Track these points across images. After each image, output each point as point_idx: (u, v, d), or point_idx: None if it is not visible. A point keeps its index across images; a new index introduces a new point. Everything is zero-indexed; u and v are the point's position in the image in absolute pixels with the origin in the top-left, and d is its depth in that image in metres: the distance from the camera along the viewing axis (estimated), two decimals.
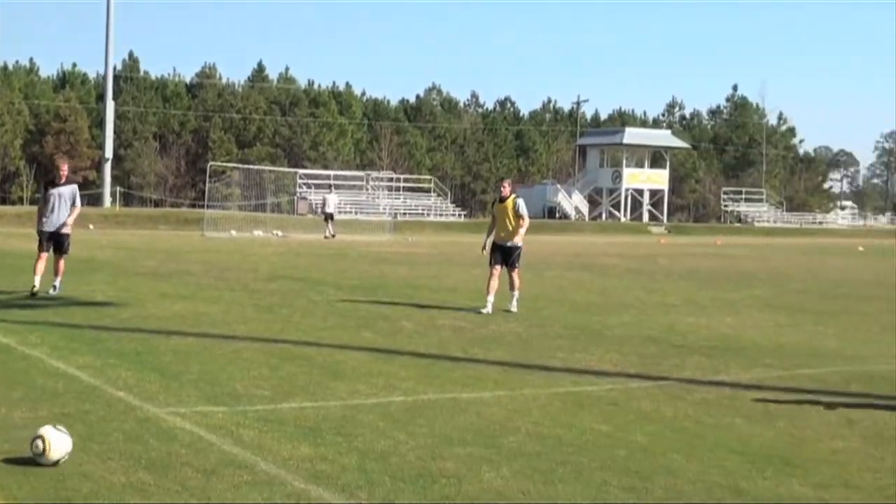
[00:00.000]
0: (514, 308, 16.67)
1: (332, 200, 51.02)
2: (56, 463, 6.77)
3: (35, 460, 6.80)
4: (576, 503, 6.51)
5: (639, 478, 7.09)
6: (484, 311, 16.47)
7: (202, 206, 57.66)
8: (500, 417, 8.82)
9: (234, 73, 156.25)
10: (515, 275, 17.02)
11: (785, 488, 6.99)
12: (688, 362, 12.23)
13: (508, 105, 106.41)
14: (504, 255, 17.08)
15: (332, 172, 72.31)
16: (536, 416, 8.94)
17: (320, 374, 10.66)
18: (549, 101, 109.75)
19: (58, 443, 6.79)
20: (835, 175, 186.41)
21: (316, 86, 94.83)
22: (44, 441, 6.74)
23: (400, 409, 9.04)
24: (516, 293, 16.89)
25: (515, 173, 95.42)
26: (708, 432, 8.59)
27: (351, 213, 63.75)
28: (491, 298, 16.75)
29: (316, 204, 65.96)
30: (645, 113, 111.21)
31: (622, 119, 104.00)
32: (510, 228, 17.06)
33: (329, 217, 49.29)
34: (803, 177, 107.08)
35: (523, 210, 17.19)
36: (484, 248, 17.67)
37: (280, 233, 49.45)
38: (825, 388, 10.75)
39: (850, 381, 11.26)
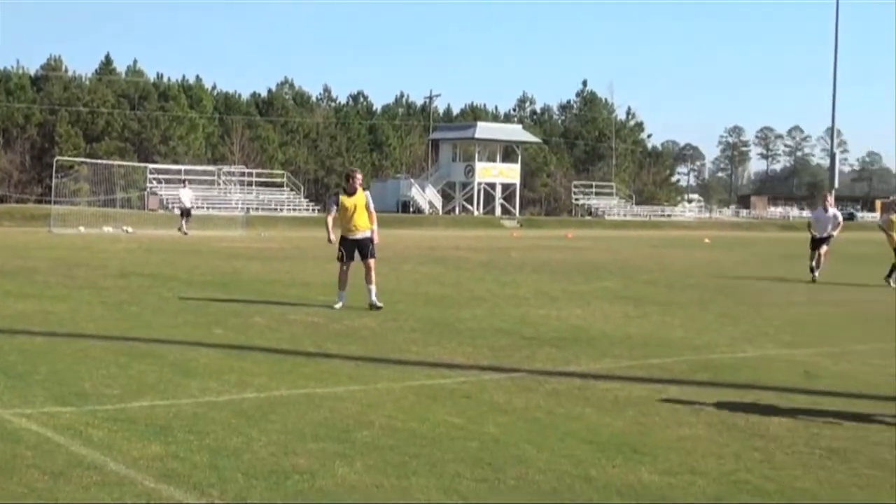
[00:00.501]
0: (379, 302, 16.45)
1: (188, 195, 50.18)
2: None
3: None
4: (429, 497, 6.54)
5: (491, 469, 7.17)
6: (337, 306, 16.42)
7: (49, 202, 56.20)
8: (354, 412, 8.82)
9: (81, 65, 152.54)
10: (373, 265, 16.87)
11: (633, 475, 7.14)
12: (539, 354, 12.40)
13: (361, 99, 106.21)
14: (359, 247, 16.98)
15: (183, 167, 71.05)
16: (390, 409, 8.97)
17: (171, 371, 10.50)
18: (402, 95, 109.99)
19: None
20: (682, 169, 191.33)
21: (165, 79, 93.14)
22: None
23: (252, 405, 8.97)
24: (374, 287, 16.69)
25: (369, 167, 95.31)
26: (559, 422, 8.72)
27: (203, 208, 62.77)
28: (343, 293, 16.70)
29: (167, 199, 64.88)
30: (497, 108, 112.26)
31: (474, 114, 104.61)
32: (363, 221, 16.98)
33: (185, 213, 48.47)
34: (651, 170, 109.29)
35: (372, 205, 17.19)
36: (330, 240, 17.45)
37: (130, 229, 48.46)
38: (673, 378, 11.03)
39: (695, 370, 11.57)
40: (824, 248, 25.73)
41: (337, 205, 17.13)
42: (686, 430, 8.58)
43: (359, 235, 16.98)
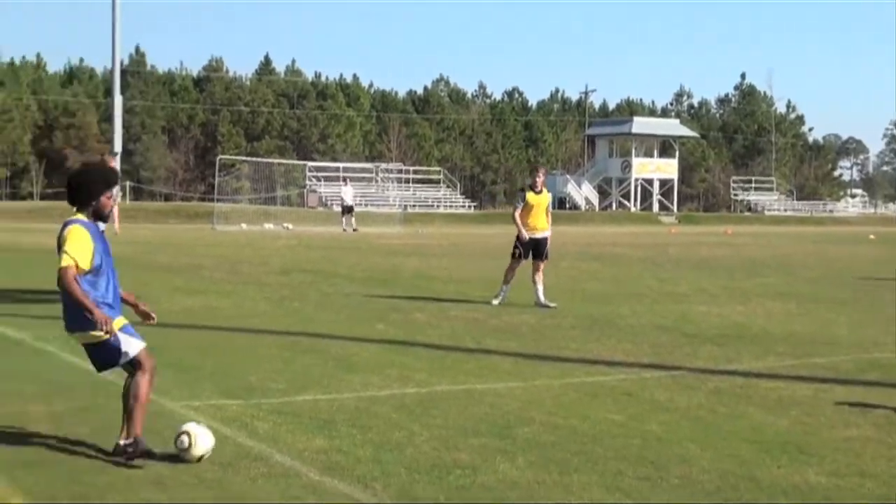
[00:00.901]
0: (552, 303, 16.27)
1: (349, 192, 50.85)
2: (200, 459, 6.82)
3: (180, 456, 6.83)
4: (591, 494, 6.52)
5: (654, 467, 7.10)
6: (495, 301, 16.44)
7: (212, 200, 57.77)
8: (514, 408, 8.84)
9: (241, 66, 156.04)
10: (543, 266, 16.78)
11: (800, 476, 6.99)
12: (700, 351, 12.23)
13: (516, 95, 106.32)
14: (537, 246, 16.87)
15: (341, 165, 72.32)
16: (550, 406, 8.96)
17: (334, 366, 10.68)
18: (557, 91, 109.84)
19: (202, 438, 6.83)
20: (844, 163, 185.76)
21: (323, 78, 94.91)
22: (189, 436, 6.79)
23: (414, 400, 9.07)
24: (542, 287, 16.49)
25: (524, 164, 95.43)
26: (722, 421, 8.60)
27: (361, 205, 63.75)
28: (507, 289, 16.68)
29: (326, 196, 66.02)
30: (653, 102, 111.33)
31: (630, 108, 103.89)
32: (543, 221, 16.90)
33: (348, 210, 49.09)
34: (813, 165, 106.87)
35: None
36: (522, 237, 16.78)
37: (290, 226, 49.49)
38: (838, 377, 10.75)
39: (864, 370, 11.26)
40: None
41: (524, 201, 16.94)
42: (854, 430, 8.35)
43: (538, 235, 16.85)
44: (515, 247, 16.84)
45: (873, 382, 10.55)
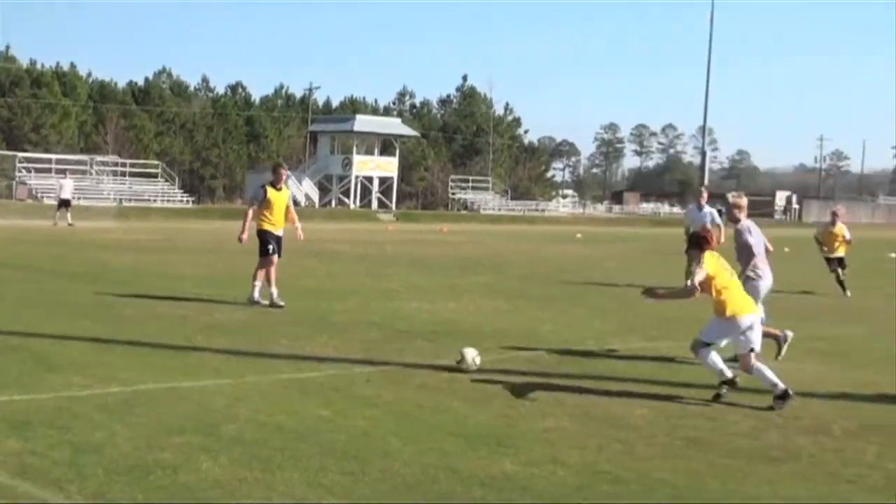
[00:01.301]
0: (282, 301, 16.08)
1: (69, 186, 48.83)
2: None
3: None
4: (292, 490, 6.53)
5: (357, 462, 7.19)
6: (264, 301, 16.06)
7: None
8: (221, 406, 8.75)
9: None
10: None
11: (497, 467, 7.23)
12: (410, 347, 12.45)
13: (240, 90, 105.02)
14: (278, 244, 16.66)
15: (54, 156, 69.48)
16: (258, 403, 8.92)
17: (34, 365, 10.28)
18: (282, 86, 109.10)
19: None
20: (557, 164, 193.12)
21: (39, 65, 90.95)
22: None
23: (117, 400, 8.83)
24: (276, 286, 16.33)
25: (245, 159, 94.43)
26: (427, 415, 8.78)
27: (75, 198, 61.48)
28: (259, 285, 16.33)
29: (37, 189, 63.36)
30: (376, 101, 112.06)
31: (353, 106, 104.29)
32: (283, 218, 16.70)
33: (65, 203, 47.16)
34: (527, 166, 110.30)
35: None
36: (242, 238, 16.65)
37: None
38: (539, 370, 11.17)
39: (562, 363, 11.74)
40: None
41: (264, 198, 16.60)
42: (551, 421, 8.71)
43: (280, 232, 16.67)
44: (268, 243, 16.51)
45: (570, 375, 11.02)
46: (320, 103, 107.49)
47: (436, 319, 15.15)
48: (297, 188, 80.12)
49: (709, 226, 26.02)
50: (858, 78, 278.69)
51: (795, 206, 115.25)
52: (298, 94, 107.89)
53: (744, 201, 12.62)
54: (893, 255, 38.14)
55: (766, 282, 12.30)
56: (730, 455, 7.82)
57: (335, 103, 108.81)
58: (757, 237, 12.29)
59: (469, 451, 7.62)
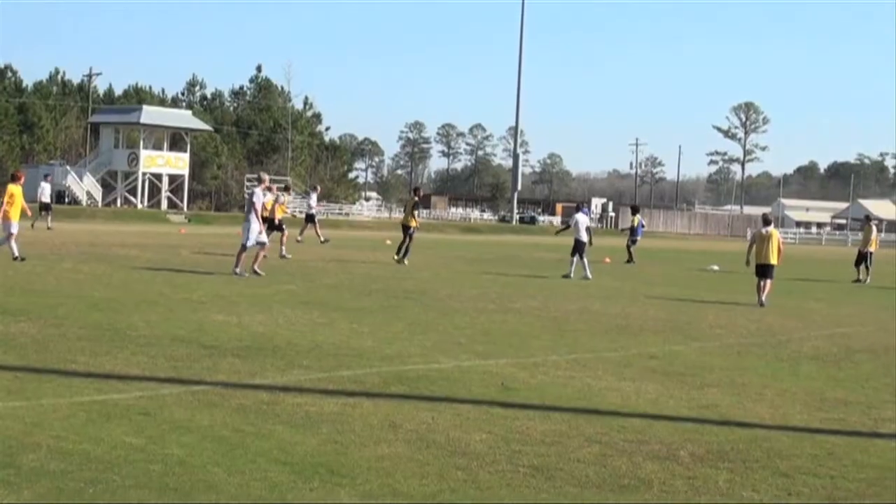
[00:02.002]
0: None
1: (48, 189, 48.95)
2: None
3: None
4: None
5: (177, 495, 6.99)
6: None
7: None
8: (17, 432, 8.38)
9: None
10: None
11: (333, 499, 7.13)
12: (221, 365, 12.19)
13: (10, 74, 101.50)
14: None
15: None
16: (59, 429, 8.58)
17: None
18: (57, 72, 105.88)
19: None
20: (360, 164, 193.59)
21: None
22: None
23: None
24: None
25: (18, 151, 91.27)
26: (248, 441, 8.60)
27: None
28: None
29: None
30: (164, 91, 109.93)
31: (139, 96, 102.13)
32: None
33: (46, 207, 47.66)
34: (329, 165, 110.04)
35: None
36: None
37: None
38: (366, 391, 11.09)
39: (389, 382, 11.67)
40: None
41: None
42: (385, 448, 8.63)
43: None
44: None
45: (400, 395, 10.98)
46: (102, 92, 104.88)
47: (245, 334, 14.89)
48: (78, 185, 78.08)
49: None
50: (673, 82, 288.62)
51: (611, 213, 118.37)
52: (76, 80, 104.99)
53: None
54: (715, 267, 39.53)
55: None
56: (578, 484, 7.89)
57: (118, 92, 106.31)
58: None
59: (300, 482, 7.48)
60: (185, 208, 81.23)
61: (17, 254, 24.85)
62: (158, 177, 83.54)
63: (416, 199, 33.78)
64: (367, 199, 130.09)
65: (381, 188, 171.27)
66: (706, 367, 14.22)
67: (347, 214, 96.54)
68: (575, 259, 30.43)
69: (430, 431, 9.31)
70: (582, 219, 30.97)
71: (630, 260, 40.53)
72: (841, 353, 16.45)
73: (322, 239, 40.82)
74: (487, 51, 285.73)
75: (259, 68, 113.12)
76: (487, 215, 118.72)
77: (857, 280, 36.52)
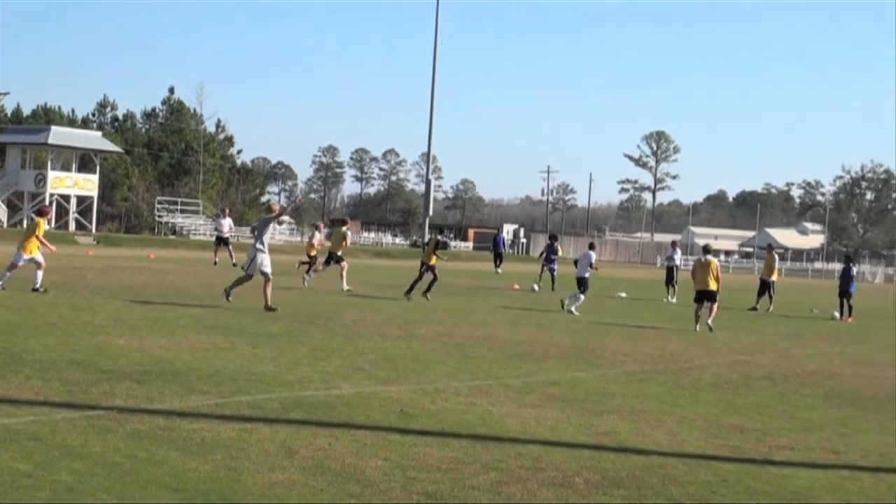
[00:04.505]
0: None
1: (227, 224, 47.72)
2: None
3: None
4: None
5: None
6: None
7: None
8: None
9: None
10: None
11: None
12: (118, 389, 12.03)
13: None
14: None
15: None
16: None
17: None
18: None
19: None
20: (273, 188, 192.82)
21: None
22: None
23: None
24: None
25: None
26: (141, 467, 8.49)
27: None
28: None
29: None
30: (73, 111, 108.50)
31: (47, 116, 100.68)
32: None
33: (223, 241, 46.58)
34: (241, 188, 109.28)
35: None
36: None
37: None
38: (263, 416, 11.00)
39: (289, 408, 11.59)
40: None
41: None
42: (279, 474, 8.57)
43: None
44: None
45: (299, 421, 10.91)
46: (9, 111, 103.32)
47: (146, 358, 14.71)
48: None
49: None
50: (585, 110, 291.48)
51: (523, 239, 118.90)
52: None
53: None
54: (623, 294, 39.87)
55: None
56: None
57: (27, 112, 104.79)
58: None
59: None
60: (94, 230, 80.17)
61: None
62: (66, 198, 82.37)
63: (439, 238, 34.16)
64: (280, 223, 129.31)
65: (294, 213, 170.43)
66: (607, 393, 14.33)
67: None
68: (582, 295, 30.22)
69: (326, 458, 9.26)
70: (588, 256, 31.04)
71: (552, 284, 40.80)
72: (740, 380, 16.68)
73: (234, 262, 41.08)
74: (400, 75, 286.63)
75: (171, 90, 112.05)
76: (399, 240, 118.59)
77: (753, 308, 37.04)
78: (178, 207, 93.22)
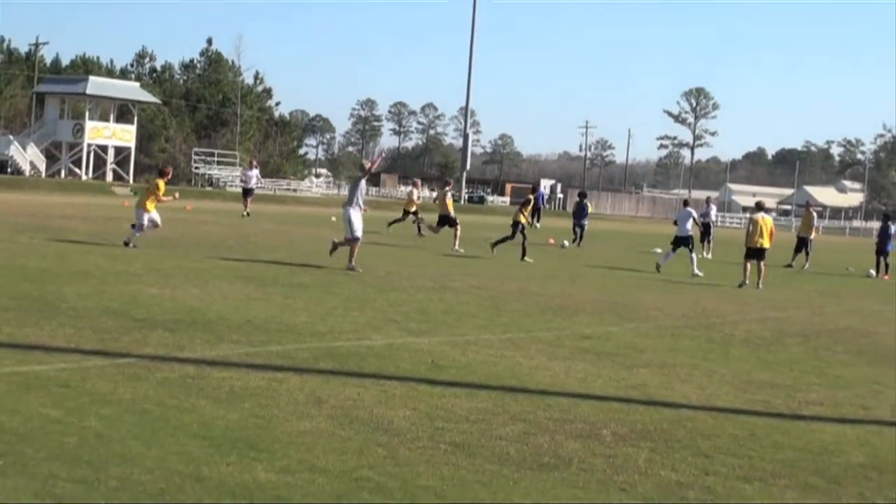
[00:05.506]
0: None
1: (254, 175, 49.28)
2: None
3: None
4: (20, 500, 6.21)
5: (91, 468, 6.91)
6: None
7: None
8: None
9: None
10: None
11: (249, 474, 7.08)
12: (150, 338, 12.10)
13: None
14: None
15: None
16: None
17: None
18: (3, 40, 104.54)
19: None
20: (311, 141, 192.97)
21: None
22: None
23: None
24: None
25: None
26: (170, 415, 8.54)
27: None
28: None
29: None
30: (112, 62, 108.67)
31: (86, 67, 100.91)
32: None
33: (249, 192, 48.05)
34: (278, 141, 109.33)
35: None
36: None
37: None
38: (294, 366, 11.04)
39: (319, 358, 11.63)
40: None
41: None
42: (307, 423, 8.60)
43: None
44: None
45: (329, 371, 10.94)
46: (48, 61, 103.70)
47: (178, 307, 14.78)
48: (21, 155, 77.20)
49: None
50: (624, 68, 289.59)
51: (560, 195, 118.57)
52: (23, 49, 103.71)
53: None
54: (658, 249, 39.70)
55: None
56: (498, 461, 7.90)
57: (65, 62, 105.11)
58: None
59: (217, 456, 7.43)
60: (132, 181, 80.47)
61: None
62: (104, 149, 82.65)
63: (530, 196, 33.95)
64: (318, 176, 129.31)
65: (332, 165, 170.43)
66: (638, 347, 14.30)
67: (295, 190, 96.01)
68: (675, 251, 30.13)
69: (354, 407, 9.29)
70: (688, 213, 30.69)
71: (577, 241, 40.75)
72: (772, 336, 16.61)
73: (246, 212, 42.03)
74: (440, 29, 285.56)
75: (210, 41, 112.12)
76: (435, 193, 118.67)
77: (789, 265, 36.74)
78: (216, 159, 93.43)
